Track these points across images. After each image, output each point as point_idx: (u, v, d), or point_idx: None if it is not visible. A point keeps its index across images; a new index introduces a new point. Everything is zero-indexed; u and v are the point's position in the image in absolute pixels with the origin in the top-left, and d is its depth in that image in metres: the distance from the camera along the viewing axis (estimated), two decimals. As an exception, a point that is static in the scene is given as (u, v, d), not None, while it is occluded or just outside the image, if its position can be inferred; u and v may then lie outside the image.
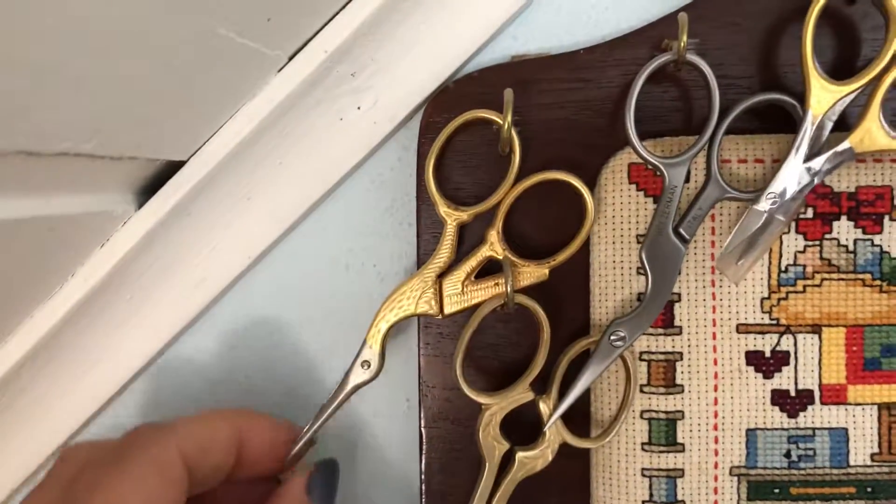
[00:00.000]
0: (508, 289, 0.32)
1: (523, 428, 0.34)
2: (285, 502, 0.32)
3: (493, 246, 0.33)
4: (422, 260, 0.35)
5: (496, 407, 0.33)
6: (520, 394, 0.33)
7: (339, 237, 0.37)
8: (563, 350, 0.34)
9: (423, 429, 0.35)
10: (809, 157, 0.32)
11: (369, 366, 0.34)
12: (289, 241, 0.37)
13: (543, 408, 0.33)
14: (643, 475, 0.34)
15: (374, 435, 0.38)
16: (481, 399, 0.33)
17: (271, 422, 0.33)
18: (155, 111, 0.29)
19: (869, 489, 0.33)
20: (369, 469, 0.38)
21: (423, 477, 0.35)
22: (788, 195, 0.32)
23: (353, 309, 0.37)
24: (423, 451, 0.35)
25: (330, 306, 0.37)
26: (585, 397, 0.34)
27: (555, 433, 0.33)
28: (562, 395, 0.33)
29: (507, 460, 0.34)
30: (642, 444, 0.34)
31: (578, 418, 0.34)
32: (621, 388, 0.34)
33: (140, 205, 0.34)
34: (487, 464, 0.33)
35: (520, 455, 0.33)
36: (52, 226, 0.29)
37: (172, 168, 0.34)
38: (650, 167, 0.33)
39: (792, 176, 0.32)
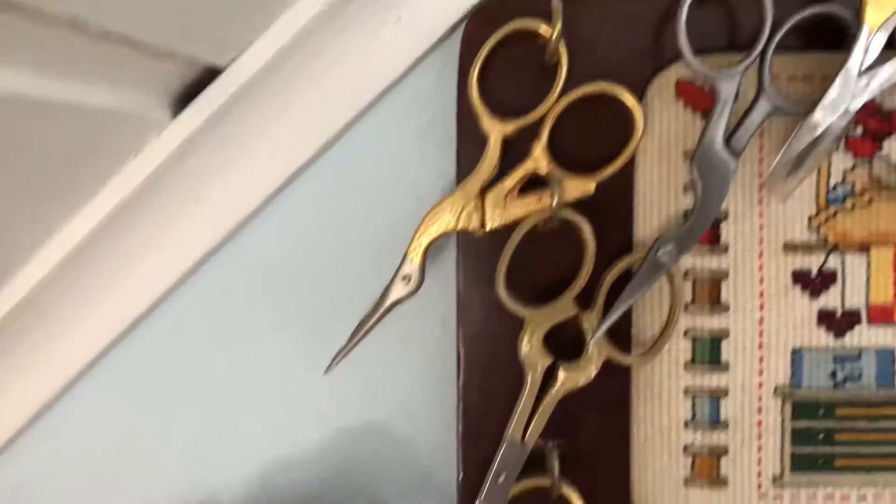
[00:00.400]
0: (555, 201, 0.32)
1: (565, 345, 0.33)
2: None
3: (538, 160, 0.33)
4: (462, 177, 0.34)
5: (539, 321, 0.33)
6: (563, 309, 0.33)
7: (375, 156, 0.36)
8: (607, 268, 0.33)
9: (461, 348, 0.35)
10: (861, 73, 0.31)
11: (409, 280, 0.33)
12: (323, 160, 0.36)
13: (587, 323, 0.33)
14: (686, 394, 0.34)
15: (408, 357, 0.37)
16: (524, 312, 0.32)
17: None
18: (200, 6, 0.28)
19: (914, 410, 0.33)
20: (403, 391, 0.37)
21: (460, 395, 0.35)
22: (839, 112, 0.31)
23: (389, 229, 0.36)
24: (461, 371, 0.35)
25: (365, 227, 0.37)
26: (627, 317, 0.34)
27: (598, 349, 0.33)
28: (606, 311, 0.33)
29: (548, 377, 0.33)
30: (685, 362, 0.34)
31: (620, 339, 0.34)
32: (664, 307, 0.34)
33: (175, 114, 0.33)
34: (529, 378, 0.32)
35: (562, 370, 0.33)
36: (89, 118, 0.28)
37: (208, 78, 0.33)
38: (699, 83, 0.33)
39: (843, 92, 0.31)
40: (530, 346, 0.33)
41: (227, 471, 0.38)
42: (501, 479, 0.33)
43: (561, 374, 0.33)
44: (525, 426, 0.33)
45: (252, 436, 0.38)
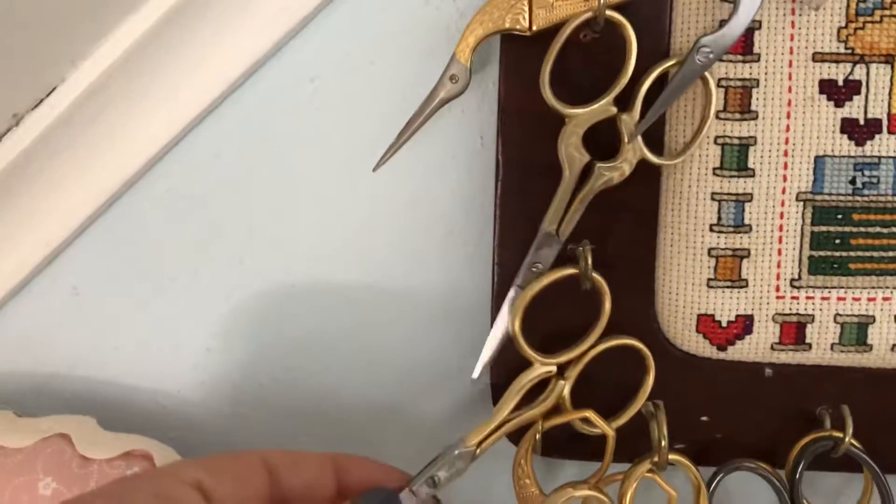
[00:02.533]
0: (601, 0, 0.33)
1: (602, 145, 0.35)
2: None
3: (584, -39, 0.34)
4: (505, -12, 0.35)
5: (579, 121, 0.34)
6: (603, 108, 0.34)
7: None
8: (644, 73, 0.34)
9: (500, 155, 0.36)
10: None
11: (457, 79, 0.34)
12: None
13: (624, 124, 0.34)
14: (713, 199, 0.35)
15: (446, 172, 0.38)
16: (566, 110, 0.34)
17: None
18: None
19: (927, 217, 0.35)
20: (441, 205, 0.39)
21: (497, 201, 0.36)
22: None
23: (432, 41, 0.37)
24: (500, 177, 0.36)
25: (409, 42, 0.37)
26: (660, 123, 0.35)
27: (634, 149, 0.34)
28: (643, 113, 0.34)
29: (585, 175, 0.34)
30: (714, 168, 0.35)
31: (653, 143, 0.35)
32: (697, 114, 0.35)
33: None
34: (568, 172, 0.34)
35: (599, 166, 0.34)
36: None
37: None
38: None
39: None
40: (570, 143, 0.34)
41: (271, 273, 0.40)
42: (536, 269, 0.35)
43: (596, 171, 0.34)
44: (560, 220, 0.34)
45: (296, 237, 0.39)
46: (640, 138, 0.34)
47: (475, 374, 0.35)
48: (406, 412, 0.40)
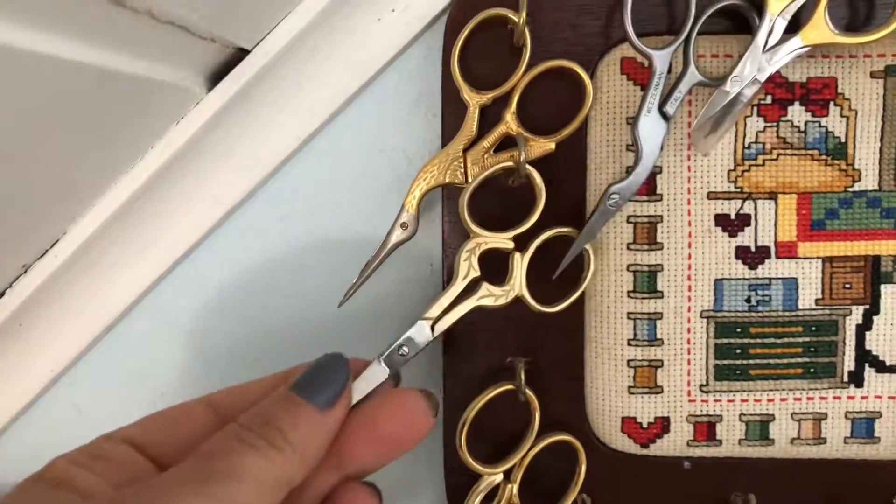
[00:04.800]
0: (522, 157, 0.38)
1: (496, 273, 0.39)
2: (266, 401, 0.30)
3: (509, 124, 0.39)
4: (446, 141, 0.40)
5: (481, 240, 0.37)
6: (502, 239, 0.37)
7: (373, 126, 0.42)
8: (564, 213, 0.39)
9: (445, 284, 0.41)
10: (766, 51, 0.37)
11: (407, 227, 0.39)
12: (332, 127, 0.42)
13: (515, 260, 0.37)
14: (629, 318, 0.40)
15: (401, 295, 0.43)
16: (475, 228, 0.37)
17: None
18: (233, -2, 0.35)
19: (813, 328, 0.39)
20: (395, 325, 0.43)
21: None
22: (748, 80, 0.37)
23: (387, 185, 0.42)
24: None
25: (367, 185, 0.43)
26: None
27: (515, 287, 0.38)
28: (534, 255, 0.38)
29: (473, 289, 0.38)
30: (628, 291, 0.40)
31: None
32: (613, 247, 0.40)
33: (210, 88, 0.39)
34: (459, 278, 0.37)
35: (486, 285, 0.37)
36: (141, 86, 0.34)
37: (238, 58, 0.39)
38: (640, 60, 0.39)
39: (752, 64, 0.37)
40: (468, 256, 0.37)
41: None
42: (402, 351, 0.36)
43: (482, 290, 0.37)
44: (439, 316, 0.37)
45: (271, 361, 0.44)
46: (523, 280, 0.38)
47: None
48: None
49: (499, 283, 0.38)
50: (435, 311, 0.37)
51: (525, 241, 0.38)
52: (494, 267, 0.38)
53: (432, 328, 0.37)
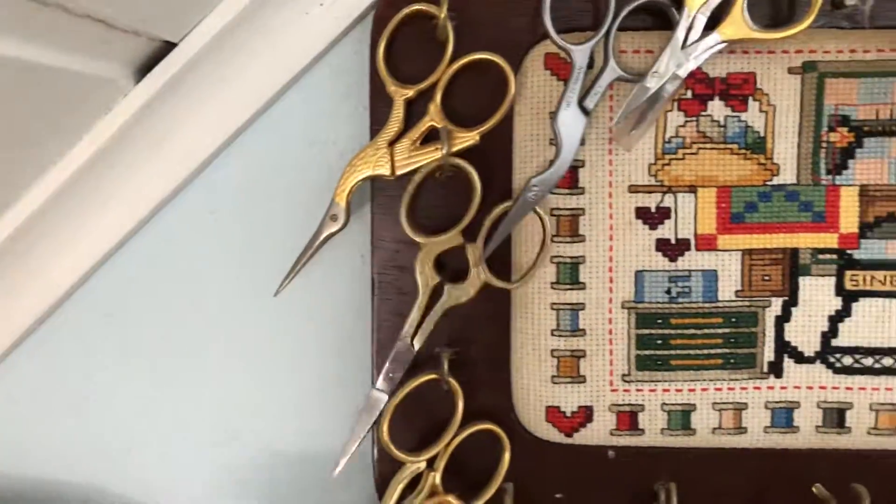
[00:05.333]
0: (445, 149, 0.38)
1: (454, 269, 0.40)
2: None
3: (434, 117, 0.39)
4: (374, 134, 0.40)
5: (431, 248, 0.39)
6: (452, 239, 0.39)
7: (304, 119, 0.43)
8: (492, 206, 0.40)
9: (374, 275, 0.41)
10: (685, 47, 0.38)
11: (337, 219, 0.40)
12: (261, 122, 0.43)
13: (471, 253, 0.39)
14: (552, 308, 0.41)
15: (333, 286, 0.44)
16: (419, 239, 0.39)
17: None
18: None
19: (733, 319, 0.40)
20: (327, 314, 0.44)
21: (374, 315, 0.41)
22: (668, 75, 0.38)
23: (317, 178, 0.43)
24: (375, 295, 0.41)
25: (297, 177, 0.43)
26: (507, 249, 0.40)
27: (479, 274, 0.39)
28: (487, 244, 0.39)
29: (438, 294, 0.40)
30: (551, 283, 0.40)
31: (501, 266, 0.40)
32: (536, 240, 0.40)
33: (138, 81, 0.39)
34: (421, 291, 0.39)
35: (448, 288, 0.39)
36: (68, 79, 0.35)
37: (166, 51, 0.39)
38: (562, 55, 0.39)
39: (672, 60, 0.38)
40: (423, 268, 0.39)
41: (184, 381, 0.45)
42: (392, 374, 0.40)
43: (446, 292, 0.39)
44: (414, 333, 0.40)
45: (204, 352, 0.44)
46: (484, 264, 0.39)
47: (335, 472, 0.40)
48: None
49: (459, 278, 0.39)
50: (409, 329, 0.40)
51: (470, 231, 0.39)
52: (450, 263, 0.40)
53: (412, 343, 0.40)
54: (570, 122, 0.38)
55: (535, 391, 0.41)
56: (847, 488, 0.40)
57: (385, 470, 0.41)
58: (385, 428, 0.39)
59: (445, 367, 0.39)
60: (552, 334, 0.41)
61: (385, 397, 0.39)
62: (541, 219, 0.39)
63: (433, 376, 0.39)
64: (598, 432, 0.41)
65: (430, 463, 0.40)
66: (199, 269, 0.44)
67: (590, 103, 0.38)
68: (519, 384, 0.41)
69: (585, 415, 0.41)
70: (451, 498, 0.39)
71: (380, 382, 0.40)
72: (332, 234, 0.40)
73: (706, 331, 0.40)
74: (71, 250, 0.42)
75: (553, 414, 0.41)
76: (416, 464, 0.39)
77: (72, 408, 0.44)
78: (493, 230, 0.39)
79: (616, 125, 0.38)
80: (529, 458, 0.41)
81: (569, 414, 0.41)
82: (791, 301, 0.40)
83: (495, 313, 0.41)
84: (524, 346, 0.41)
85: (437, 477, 0.39)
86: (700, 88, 0.39)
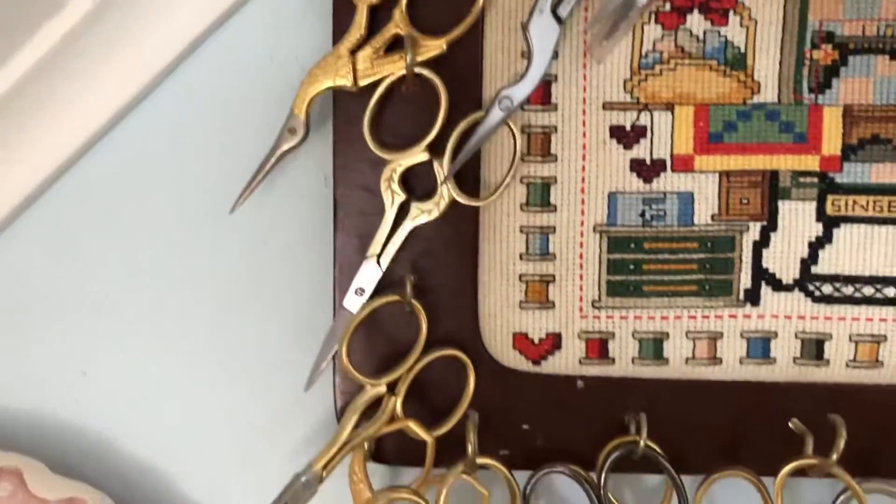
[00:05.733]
0: (409, 58, 0.36)
1: (421, 186, 0.38)
2: None
3: (398, 23, 0.37)
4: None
5: (396, 163, 0.37)
6: (417, 154, 0.37)
7: (264, 32, 0.41)
8: (459, 122, 0.38)
9: (337, 196, 0.40)
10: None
11: (296, 132, 0.38)
12: (219, 34, 0.40)
13: (438, 168, 0.38)
14: (521, 231, 0.39)
15: (295, 209, 0.42)
16: (384, 154, 0.37)
17: None
18: None
19: (709, 244, 0.38)
20: (288, 239, 0.42)
21: (335, 237, 0.40)
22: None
23: (279, 95, 0.40)
24: (337, 217, 0.40)
25: (258, 94, 0.41)
26: (476, 167, 0.39)
27: (446, 191, 0.38)
28: (454, 159, 0.38)
29: (404, 213, 0.38)
30: (521, 204, 0.39)
31: (469, 185, 0.39)
32: (507, 159, 0.39)
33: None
34: (388, 208, 0.37)
35: (414, 204, 0.38)
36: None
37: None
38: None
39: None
40: (388, 185, 0.38)
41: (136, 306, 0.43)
42: (361, 295, 0.38)
43: (412, 209, 0.38)
44: (381, 251, 0.38)
45: (158, 274, 0.43)
46: (452, 181, 0.38)
47: (305, 388, 0.38)
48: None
49: (426, 196, 0.38)
50: (376, 247, 0.38)
51: (437, 147, 0.37)
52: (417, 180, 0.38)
53: (378, 263, 0.38)
54: (543, 31, 0.36)
55: (501, 317, 0.39)
56: (824, 424, 0.38)
57: (346, 394, 0.39)
58: (344, 349, 0.37)
59: (409, 288, 0.38)
60: (521, 258, 0.39)
61: (349, 318, 0.38)
62: (512, 132, 0.37)
63: (395, 298, 0.38)
64: (567, 361, 0.39)
65: (392, 388, 0.38)
66: (154, 188, 0.42)
67: (563, 10, 0.36)
68: (485, 310, 0.39)
69: (554, 342, 0.39)
70: (411, 423, 0.37)
71: (344, 303, 0.38)
72: (291, 149, 0.38)
73: (681, 256, 0.38)
74: (20, 163, 0.40)
75: (520, 341, 0.39)
76: (377, 387, 0.38)
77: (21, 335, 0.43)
78: (461, 145, 0.37)
79: (589, 32, 0.37)
80: (495, 387, 0.40)
81: (536, 341, 0.39)
82: (770, 226, 0.38)
83: (462, 237, 0.39)
84: (491, 270, 0.39)
85: (397, 402, 0.38)
86: (679, 0, 0.37)
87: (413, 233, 0.39)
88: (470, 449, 0.37)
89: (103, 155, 0.41)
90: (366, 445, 0.38)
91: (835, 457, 0.36)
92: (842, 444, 0.36)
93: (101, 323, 0.42)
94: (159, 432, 0.42)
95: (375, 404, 0.39)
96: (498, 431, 0.40)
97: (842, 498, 0.38)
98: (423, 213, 0.37)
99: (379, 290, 0.39)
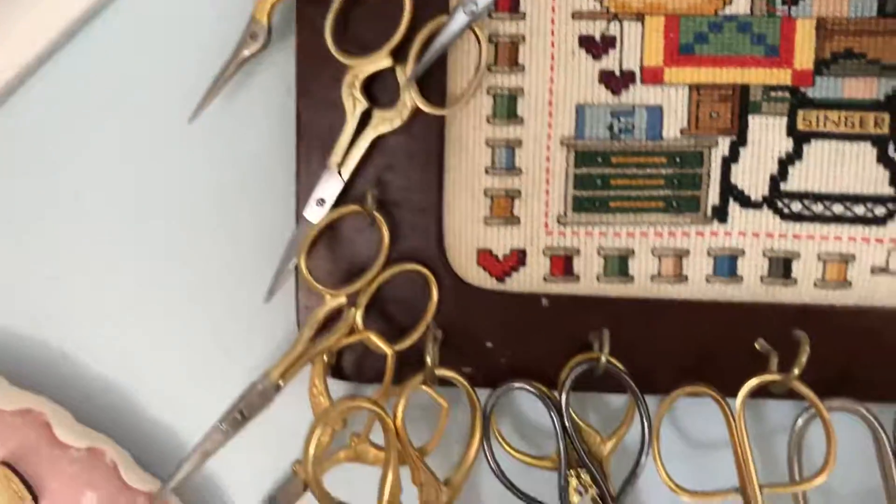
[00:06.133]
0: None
1: (384, 94, 0.37)
2: None
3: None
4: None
5: (358, 68, 0.37)
6: (380, 59, 0.37)
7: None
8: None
9: (300, 108, 0.39)
10: None
11: (257, 37, 0.37)
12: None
13: (401, 75, 0.37)
14: (487, 145, 0.38)
15: (258, 122, 0.41)
16: (346, 60, 0.36)
17: None
18: None
19: (677, 159, 0.38)
20: (251, 151, 0.41)
21: (298, 148, 0.39)
22: None
23: (242, 3, 0.40)
24: (300, 128, 0.39)
25: (223, 2, 0.40)
26: (441, 75, 0.38)
27: (409, 98, 0.37)
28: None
29: (367, 122, 0.37)
30: (487, 117, 0.38)
31: (435, 95, 0.38)
32: (474, 68, 0.38)
33: None
34: (349, 116, 0.37)
35: (377, 112, 0.37)
36: None
37: None
38: None
39: None
40: (349, 92, 0.37)
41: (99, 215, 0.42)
42: (322, 205, 0.37)
43: (375, 117, 0.37)
44: (342, 160, 0.37)
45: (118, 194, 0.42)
46: (414, 88, 0.37)
47: (265, 300, 0.38)
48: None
49: (389, 104, 0.37)
50: (337, 156, 0.37)
51: (401, 54, 0.37)
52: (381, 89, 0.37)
53: (339, 172, 0.37)
54: (510, -66, 0.35)
55: (466, 233, 0.39)
56: (791, 345, 0.38)
57: (307, 308, 0.39)
58: (304, 259, 0.37)
59: (370, 199, 0.37)
60: (486, 173, 0.38)
61: (311, 227, 0.37)
62: (478, 41, 0.36)
63: (356, 209, 0.37)
64: (532, 278, 0.39)
65: (352, 300, 0.38)
66: (118, 97, 0.41)
67: (531, -87, 0.35)
68: (450, 226, 0.39)
69: (518, 258, 0.39)
70: (371, 335, 0.37)
71: (305, 213, 0.37)
72: (253, 55, 0.37)
73: (648, 171, 0.38)
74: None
75: (485, 257, 0.39)
76: (337, 299, 0.37)
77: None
78: (425, 50, 0.36)
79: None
80: (459, 305, 0.39)
81: (501, 257, 0.39)
82: (739, 141, 0.37)
83: (427, 151, 0.38)
84: (457, 185, 0.38)
85: (357, 314, 0.37)
86: None
87: (378, 147, 0.38)
88: (429, 359, 0.37)
89: (68, 60, 0.40)
90: (325, 358, 0.38)
91: (796, 371, 0.36)
92: (804, 359, 0.36)
93: (64, 234, 0.42)
94: (121, 347, 0.42)
95: (338, 319, 0.38)
96: (461, 350, 0.39)
97: (805, 415, 0.38)
98: (386, 122, 0.37)
99: (342, 204, 0.38)
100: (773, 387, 0.37)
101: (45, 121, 0.41)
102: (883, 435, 0.37)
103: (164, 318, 0.42)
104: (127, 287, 0.42)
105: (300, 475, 0.40)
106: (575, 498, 0.38)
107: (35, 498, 0.37)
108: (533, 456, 0.39)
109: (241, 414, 0.36)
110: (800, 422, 0.38)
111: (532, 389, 0.39)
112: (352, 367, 0.39)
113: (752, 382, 0.37)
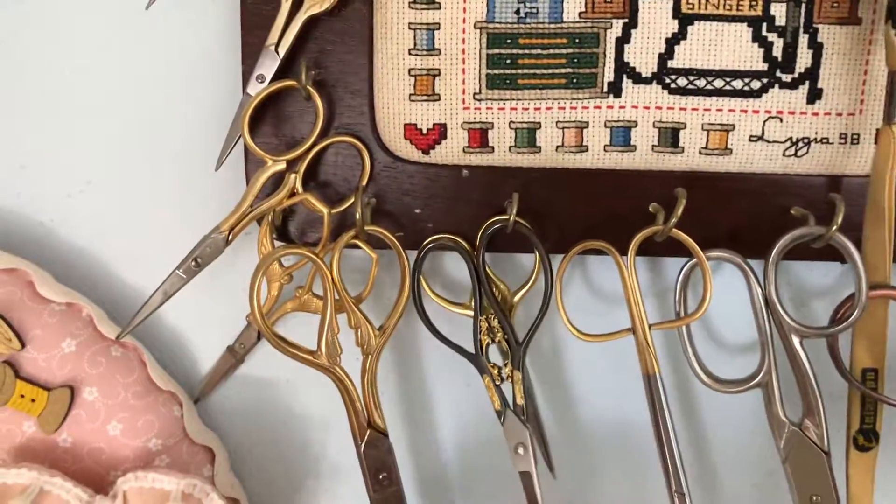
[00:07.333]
0: None
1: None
2: None
3: None
4: None
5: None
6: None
7: None
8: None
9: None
10: None
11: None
12: None
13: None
14: (409, 28, 0.43)
15: (210, 11, 0.46)
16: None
17: None
18: None
19: (576, 40, 0.42)
20: (204, 40, 0.46)
21: (242, 34, 0.43)
22: None
23: None
24: (244, 15, 0.43)
25: None
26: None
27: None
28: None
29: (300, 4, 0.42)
30: (409, 3, 0.42)
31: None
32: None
33: None
34: (282, 2, 0.41)
35: (309, -5, 0.41)
36: None
37: None
38: None
39: None
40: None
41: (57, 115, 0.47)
42: (262, 81, 0.42)
43: (307, 2, 0.41)
44: (279, 38, 0.41)
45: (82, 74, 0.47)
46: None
47: (216, 168, 0.43)
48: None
49: None
50: (274, 35, 0.42)
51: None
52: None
53: (276, 50, 0.42)
54: None
55: (393, 109, 0.43)
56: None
57: (252, 172, 0.44)
58: (246, 126, 0.41)
59: (304, 73, 0.42)
60: (410, 53, 0.43)
61: (251, 100, 0.42)
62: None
63: (292, 82, 0.42)
64: (453, 150, 0.44)
65: (291, 166, 0.43)
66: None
67: None
68: (380, 103, 0.44)
69: (440, 132, 0.43)
70: (309, 196, 0.42)
71: (247, 89, 0.42)
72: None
73: (551, 51, 0.42)
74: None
75: (410, 131, 0.44)
76: (277, 164, 0.42)
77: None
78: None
79: None
80: (388, 176, 0.44)
81: (425, 131, 0.44)
82: (631, 23, 0.42)
83: (357, 35, 0.43)
84: (384, 65, 0.43)
85: (297, 179, 0.42)
86: None
87: (312, 33, 0.43)
88: (359, 216, 0.42)
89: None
90: (270, 218, 0.43)
91: (673, 220, 0.41)
92: (680, 209, 0.41)
93: (34, 119, 0.46)
94: (92, 218, 0.47)
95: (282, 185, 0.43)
96: (393, 217, 0.45)
97: (689, 264, 0.43)
98: (316, 4, 0.41)
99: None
100: (656, 236, 0.42)
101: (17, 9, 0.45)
102: (754, 280, 0.43)
103: (129, 191, 0.47)
104: (96, 164, 0.47)
105: (252, 324, 0.45)
106: (485, 339, 0.43)
107: (22, 343, 0.43)
108: (452, 302, 0.44)
109: (195, 262, 0.41)
110: (686, 269, 0.43)
111: (452, 245, 0.44)
112: (296, 230, 0.44)
113: (639, 236, 0.42)
